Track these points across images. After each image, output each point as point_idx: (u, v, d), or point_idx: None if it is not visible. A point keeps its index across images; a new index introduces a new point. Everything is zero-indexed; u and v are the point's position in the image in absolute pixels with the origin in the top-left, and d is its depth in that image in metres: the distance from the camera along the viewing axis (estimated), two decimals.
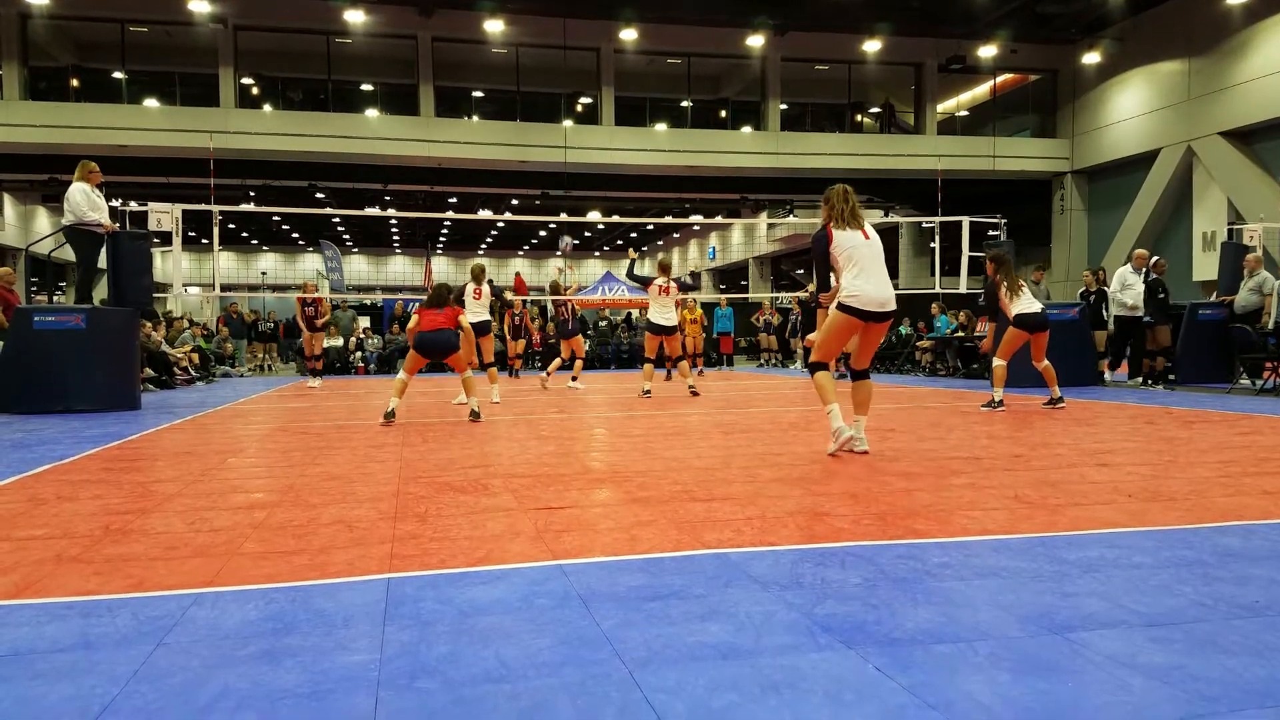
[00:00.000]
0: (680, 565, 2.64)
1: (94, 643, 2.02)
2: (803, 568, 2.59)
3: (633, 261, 10.79)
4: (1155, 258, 11.13)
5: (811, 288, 21.93)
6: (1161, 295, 10.78)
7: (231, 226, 39.00)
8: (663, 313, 10.35)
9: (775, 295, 24.47)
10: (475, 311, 10.19)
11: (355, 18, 19.30)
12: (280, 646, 1.98)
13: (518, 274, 27.30)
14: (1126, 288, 10.83)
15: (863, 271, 4.90)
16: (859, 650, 1.92)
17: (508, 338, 16.72)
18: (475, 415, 7.24)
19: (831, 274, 5.00)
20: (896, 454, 4.98)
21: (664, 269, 10.61)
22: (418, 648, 1.96)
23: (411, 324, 7.53)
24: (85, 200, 8.74)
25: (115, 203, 9.61)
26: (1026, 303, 7.84)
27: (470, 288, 10.47)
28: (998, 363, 7.86)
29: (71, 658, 1.93)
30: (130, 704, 1.68)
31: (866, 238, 5.00)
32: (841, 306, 4.90)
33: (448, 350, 7.24)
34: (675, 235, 43.86)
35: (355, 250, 45.56)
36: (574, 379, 11.90)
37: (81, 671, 1.85)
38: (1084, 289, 11.79)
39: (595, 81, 22.01)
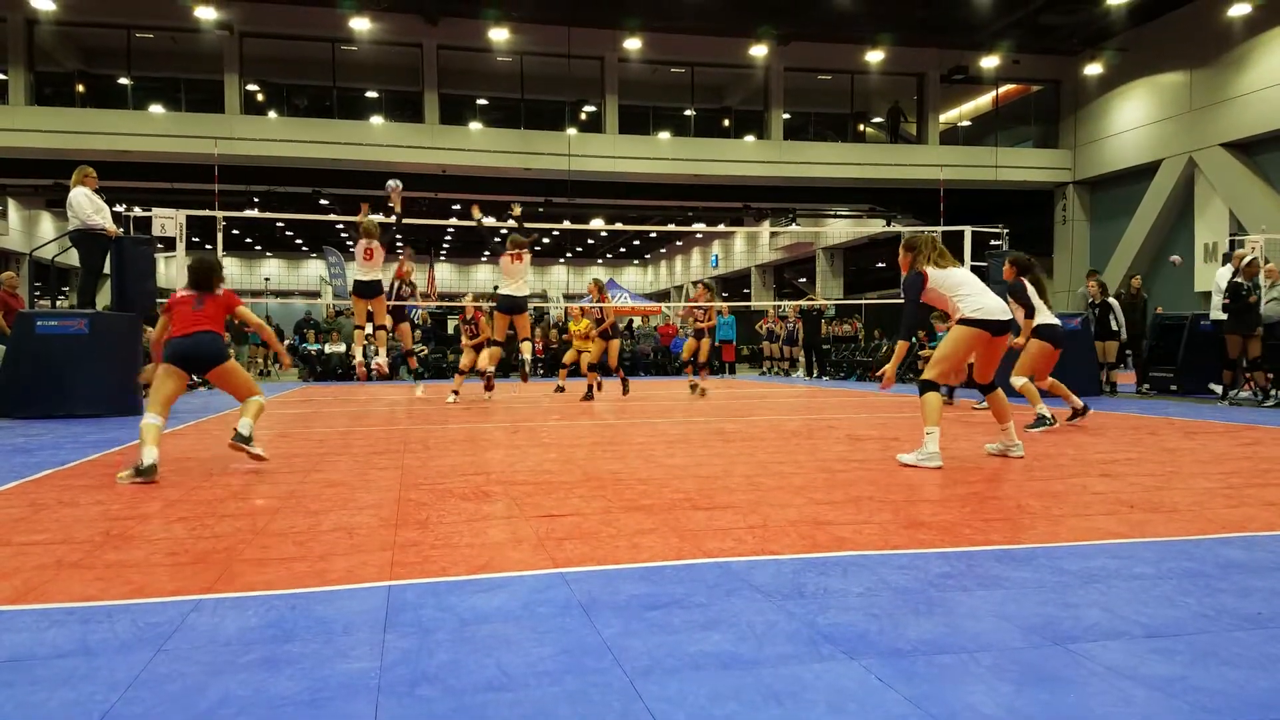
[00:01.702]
0: (682, 574, 2.63)
1: (94, 649, 2.02)
2: (805, 577, 2.59)
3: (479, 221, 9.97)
4: (1249, 258, 9.86)
5: (813, 297, 21.94)
6: (1250, 298, 9.54)
7: (235, 232, 39.09)
8: (510, 284, 9.24)
9: (777, 304, 24.47)
10: (365, 270, 9.57)
11: (361, 25, 19.37)
12: (280, 654, 1.97)
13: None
14: (1221, 291, 10.06)
15: (974, 290, 5.06)
16: (861, 660, 1.92)
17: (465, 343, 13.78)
18: (243, 439, 4.86)
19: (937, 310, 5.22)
20: (899, 463, 4.97)
21: (515, 243, 9.45)
22: (418, 655, 1.96)
23: (159, 328, 5.14)
24: (89, 204, 8.77)
25: (119, 208, 9.66)
26: (1047, 314, 7.21)
27: (361, 245, 9.75)
28: (1022, 381, 6.96)
29: (72, 664, 1.93)
30: (130, 710, 1.68)
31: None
32: (968, 321, 4.99)
33: (214, 362, 4.88)
34: (678, 243, 43.92)
35: None
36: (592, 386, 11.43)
37: (81, 678, 1.84)
38: (1090, 299, 11.77)
39: (599, 90, 22.08)
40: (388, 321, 9.91)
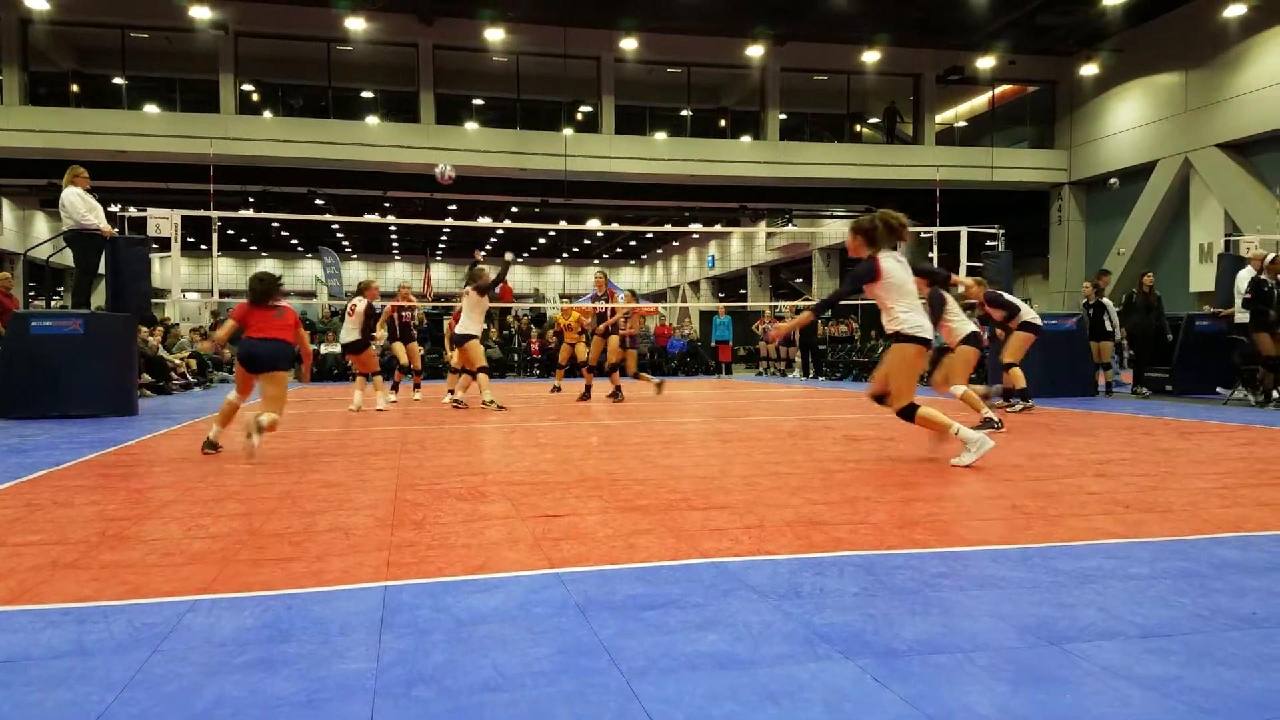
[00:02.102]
0: (678, 574, 2.63)
1: (90, 649, 2.01)
2: (801, 577, 2.59)
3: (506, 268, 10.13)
4: (1271, 256, 9.81)
5: (809, 298, 21.94)
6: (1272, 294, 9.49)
7: (230, 232, 39.01)
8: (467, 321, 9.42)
9: (774, 304, 24.49)
10: (348, 331, 9.62)
11: (356, 25, 19.33)
12: (276, 654, 1.97)
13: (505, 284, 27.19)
14: (1242, 292, 9.97)
15: (917, 304, 4.88)
16: (857, 660, 1.92)
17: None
18: (259, 428, 5.29)
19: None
20: (895, 463, 4.98)
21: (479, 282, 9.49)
22: (415, 656, 1.96)
23: (228, 328, 5.93)
24: (82, 203, 8.75)
25: (114, 208, 9.63)
26: (1030, 312, 8.56)
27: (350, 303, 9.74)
28: (961, 389, 7.14)
29: (67, 664, 1.92)
30: (126, 711, 1.68)
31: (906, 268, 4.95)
32: (908, 338, 4.75)
33: (274, 366, 5.67)
34: (674, 243, 43.92)
35: (354, 257, 45.53)
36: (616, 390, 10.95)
37: (77, 678, 1.84)
38: (1084, 300, 11.80)
39: (595, 90, 22.07)
40: (375, 366, 9.93)
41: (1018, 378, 8.52)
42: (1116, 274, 18.33)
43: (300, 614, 2.26)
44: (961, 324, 7.10)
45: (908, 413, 4.79)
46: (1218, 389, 10.62)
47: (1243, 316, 10.07)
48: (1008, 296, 8.80)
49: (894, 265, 4.77)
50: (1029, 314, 8.72)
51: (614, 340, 10.87)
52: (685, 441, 6.24)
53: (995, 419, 6.80)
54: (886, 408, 5.01)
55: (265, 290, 5.79)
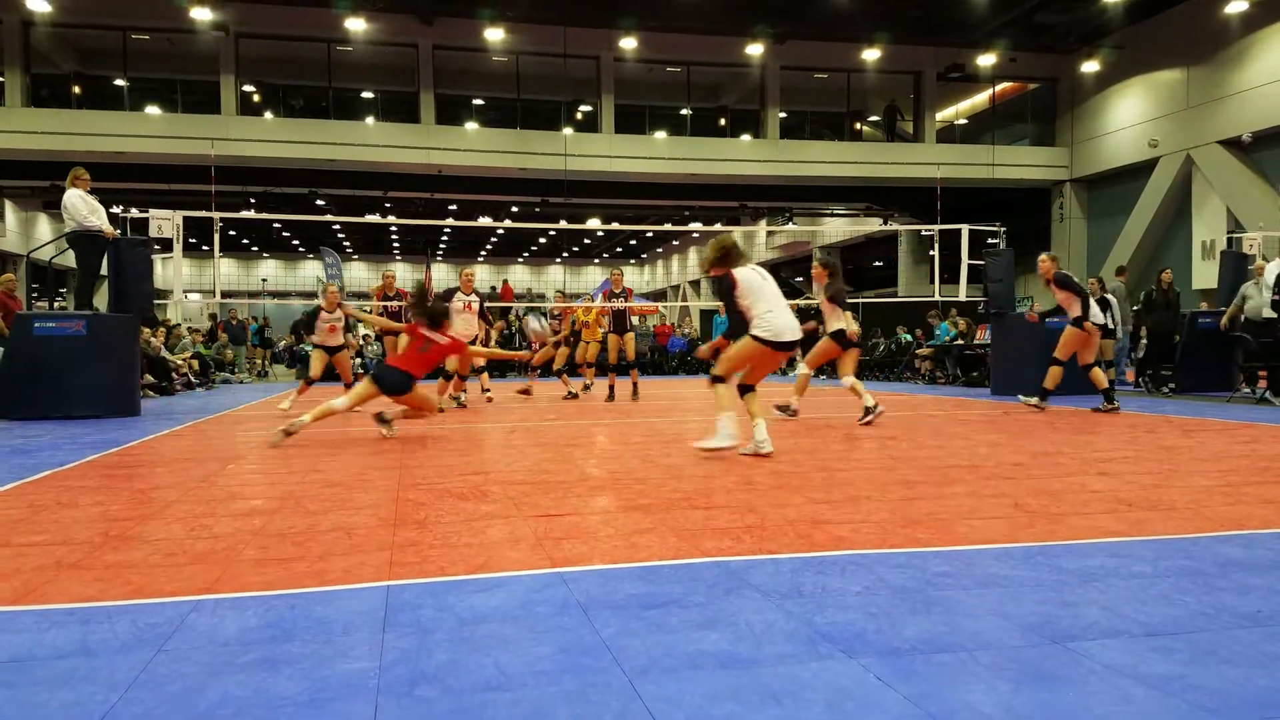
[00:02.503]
0: (680, 573, 2.63)
1: (94, 649, 2.02)
2: (803, 576, 2.59)
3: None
4: None
5: (810, 296, 21.94)
6: None
7: (232, 233, 39.05)
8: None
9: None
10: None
11: (356, 26, 19.34)
12: (279, 654, 1.98)
13: (505, 281, 27.24)
14: (1270, 287, 9.86)
15: (773, 307, 5.30)
16: (860, 659, 1.92)
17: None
18: (384, 420, 6.47)
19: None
20: (896, 462, 4.98)
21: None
22: (417, 655, 1.96)
23: (391, 328, 6.47)
24: (84, 205, 8.76)
25: (116, 209, 9.63)
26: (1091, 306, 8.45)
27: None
28: (850, 381, 7.78)
29: (71, 664, 1.93)
30: (130, 711, 1.68)
31: (764, 279, 5.46)
32: (758, 339, 5.26)
33: (396, 394, 6.24)
34: (674, 242, 43.91)
35: (355, 257, 45.59)
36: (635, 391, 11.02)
37: (81, 678, 1.84)
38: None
39: (595, 89, 22.06)
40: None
41: (1054, 376, 8.46)
42: (1119, 264, 18.27)
43: (303, 613, 2.26)
44: (838, 322, 7.81)
45: (713, 379, 5.44)
46: (1246, 389, 10.51)
47: (1270, 313, 10.04)
48: (1076, 280, 8.53)
49: (749, 274, 5.38)
50: (1090, 308, 8.54)
51: (630, 338, 10.86)
52: (686, 440, 6.24)
53: (873, 408, 7.33)
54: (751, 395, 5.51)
55: (438, 316, 6.42)
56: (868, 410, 7.28)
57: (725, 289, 5.32)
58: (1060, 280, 8.37)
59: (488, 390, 10.98)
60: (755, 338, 5.26)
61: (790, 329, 5.28)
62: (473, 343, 9.47)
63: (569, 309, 12.22)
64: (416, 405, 6.48)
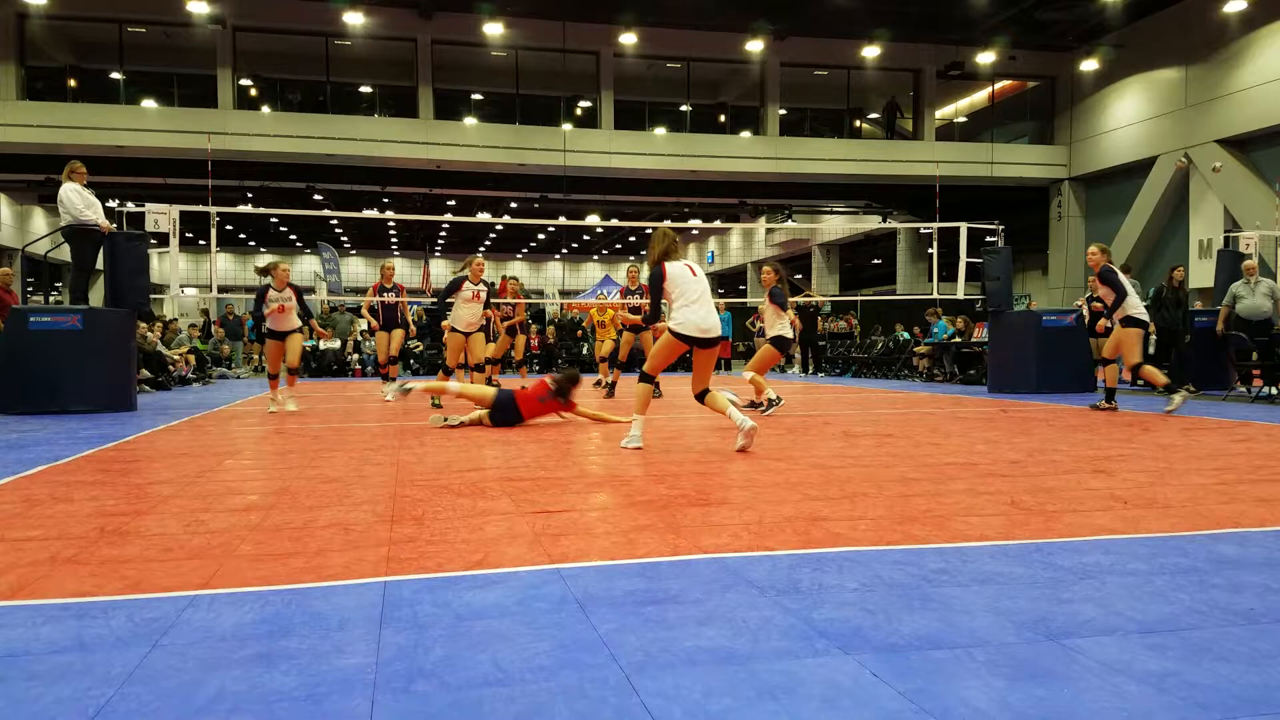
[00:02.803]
0: (677, 570, 2.64)
1: (89, 644, 2.01)
2: (800, 573, 2.59)
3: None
4: None
5: (809, 293, 21.97)
6: None
7: (229, 228, 38.95)
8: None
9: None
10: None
11: (355, 20, 19.29)
12: (276, 649, 1.97)
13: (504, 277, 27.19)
14: None
15: (689, 301, 5.47)
16: (856, 656, 1.92)
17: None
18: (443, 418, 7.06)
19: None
20: (894, 459, 4.98)
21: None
22: (414, 651, 1.96)
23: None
24: (80, 199, 8.73)
25: (112, 203, 9.60)
26: (1137, 303, 8.06)
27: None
28: (750, 375, 8.32)
29: (67, 659, 1.92)
30: (126, 706, 1.68)
31: (693, 274, 5.61)
32: (671, 330, 5.51)
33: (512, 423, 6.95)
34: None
35: (353, 252, 45.52)
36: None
37: (77, 673, 1.84)
38: (1089, 294, 11.75)
39: (595, 85, 22.03)
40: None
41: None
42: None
43: (300, 609, 2.26)
44: (780, 328, 8.24)
45: (645, 378, 5.73)
46: (1242, 387, 10.50)
47: (1267, 308, 10.09)
48: (1122, 277, 8.20)
49: (679, 269, 5.56)
50: (1135, 306, 8.05)
51: (647, 336, 10.60)
52: (684, 437, 6.25)
53: (769, 400, 8.04)
54: (703, 405, 5.71)
55: (566, 389, 6.93)
56: (770, 402, 7.99)
57: (655, 279, 5.58)
58: (1104, 275, 8.08)
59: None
60: (669, 330, 5.53)
61: (699, 326, 5.41)
62: (484, 329, 9.40)
63: (513, 307, 11.96)
64: (475, 400, 7.09)
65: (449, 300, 9.06)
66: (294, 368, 8.89)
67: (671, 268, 5.55)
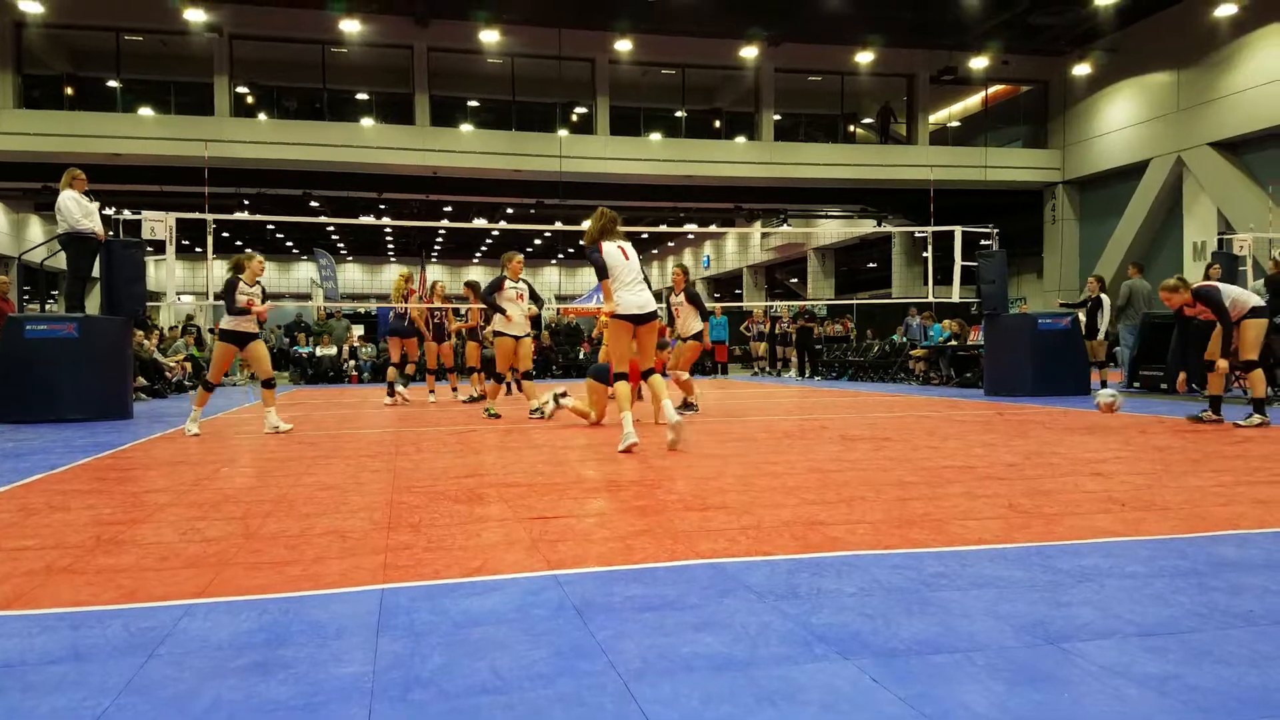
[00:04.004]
0: (675, 575, 2.63)
1: (85, 654, 2.00)
2: (798, 578, 2.59)
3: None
4: None
5: (803, 296, 21.95)
6: None
7: (225, 235, 38.88)
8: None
9: (768, 304, 24.50)
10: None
11: (351, 27, 19.31)
12: (273, 658, 1.97)
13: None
14: None
15: (624, 284, 5.70)
16: (855, 661, 1.92)
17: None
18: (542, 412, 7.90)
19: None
20: (891, 463, 4.98)
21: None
22: (411, 659, 1.95)
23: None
24: (77, 207, 8.72)
25: (109, 211, 9.59)
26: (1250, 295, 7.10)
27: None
28: (680, 373, 8.76)
29: (63, 669, 1.91)
30: (122, 716, 1.67)
31: (626, 257, 5.80)
32: (612, 314, 5.73)
33: None
34: (670, 244, 43.96)
35: (350, 259, 45.52)
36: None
37: (73, 683, 1.83)
38: (1087, 295, 11.75)
39: (590, 91, 22.07)
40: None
41: (1257, 382, 7.00)
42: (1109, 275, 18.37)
43: (297, 618, 2.25)
44: (693, 323, 8.77)
45: (619, 376, 5.87)
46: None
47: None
48: (1216, 286, 7.18)
49: (613, 250, 5.74)
50: (1253, 297, 7.09)
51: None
52: (681, 442, 6.23)
53: (694, 405, 8.59)
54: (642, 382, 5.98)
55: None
56: (689, 405, 8.39)
57: (596, 261, 5.72)
58: (1200, 297, 7.06)
59: (456, 390, 11.26)
60: (613, 315, 5.71)
61: (637, 304, 5.66)
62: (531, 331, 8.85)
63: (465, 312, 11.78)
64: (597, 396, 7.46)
65: (493, 301, 8.51)
66: (268, 379, 7.33)
67: (607, 248, 5.72)
